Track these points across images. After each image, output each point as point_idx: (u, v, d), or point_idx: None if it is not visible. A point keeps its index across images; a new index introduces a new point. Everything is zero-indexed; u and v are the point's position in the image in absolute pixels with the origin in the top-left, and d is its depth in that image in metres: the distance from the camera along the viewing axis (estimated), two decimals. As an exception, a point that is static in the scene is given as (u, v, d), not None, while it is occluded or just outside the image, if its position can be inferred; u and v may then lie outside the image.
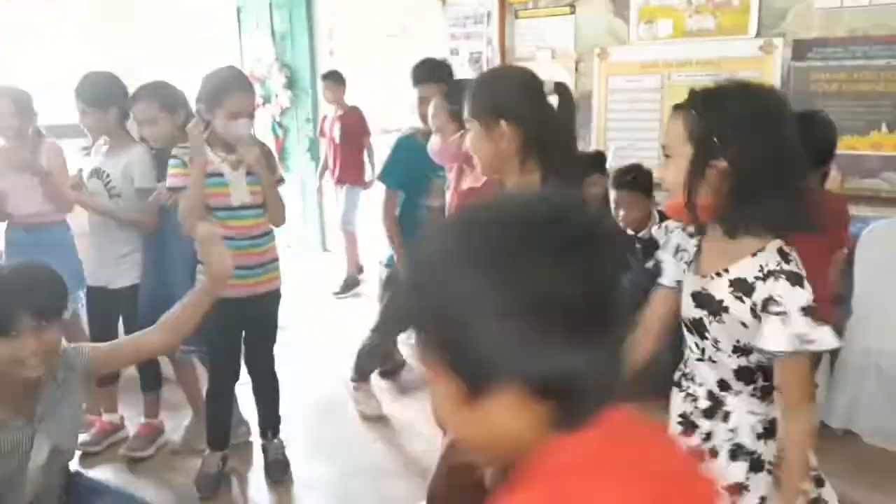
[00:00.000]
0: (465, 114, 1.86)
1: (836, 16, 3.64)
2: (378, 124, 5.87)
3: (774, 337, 1.40)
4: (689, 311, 1.58)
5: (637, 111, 4.35)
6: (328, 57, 6.27)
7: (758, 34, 3.85)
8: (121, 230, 3.00)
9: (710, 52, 4.02)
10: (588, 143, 4.43)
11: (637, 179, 3.41)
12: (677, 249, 1.68)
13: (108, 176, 2.96)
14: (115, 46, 5.89)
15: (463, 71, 5.24)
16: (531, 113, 1.79)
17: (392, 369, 3.89)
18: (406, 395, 3.65)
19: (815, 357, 2.40)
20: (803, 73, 3.73)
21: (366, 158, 5.66)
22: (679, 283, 1.65)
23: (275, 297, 2.87)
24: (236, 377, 2.89)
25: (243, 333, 2.86)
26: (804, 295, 1.39)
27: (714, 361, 1.57)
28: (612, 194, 3.49)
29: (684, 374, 1.68)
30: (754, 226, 1.44)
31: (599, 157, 3.82)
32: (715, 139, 1.41)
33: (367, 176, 5.57)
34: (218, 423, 2.89)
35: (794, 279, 1.40)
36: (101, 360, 1.86)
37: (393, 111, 5.66)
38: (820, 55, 3.70)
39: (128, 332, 3.10)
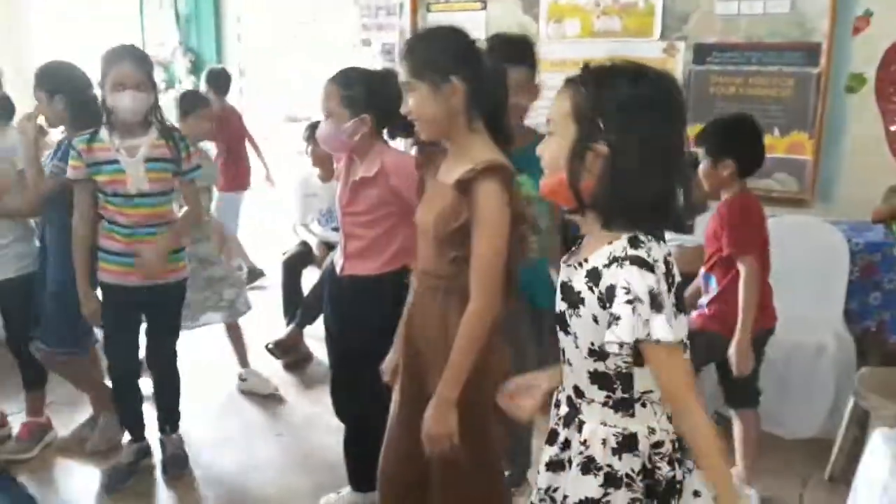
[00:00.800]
0: (405, 76, 1.78)
1: (735, 22, 3.81)
2: (285, 113, 5.75)
3: (618, 326, 1.28)
4: (558, 303, 1.47)
5: (544, 108, 4.41)
6: (236, 42, 6.09)
7: (662, 36, 3.99)
8: None
9: (615, 52, 4.06)
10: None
11: None
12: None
13: None
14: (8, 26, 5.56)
15: (374, 62, 5.21)
16: (478, 67, 1.78)
17: (298, 361, 3.82)
18: (312, 388, 3.58)
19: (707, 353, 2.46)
20: (703, 76, 3.89)
21: (254, 159, 5.42)
22: None
23: (176, 287, 2.75)
24: (136, 369, 2.78)
25: (143, 326, 2.75)
26: (650, 279, 1.28)
27: (571, 364, 1.46)
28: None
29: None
30: (622, 217, 1.34)
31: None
32: (599, 120, 1.31)
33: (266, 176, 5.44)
34: (129, 412, 2.84)
35: (641, 263, 1.29)
36: None
37: (301, 100, 5.55)
38: (718, 59, 3.86)
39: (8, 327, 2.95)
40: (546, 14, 4.40)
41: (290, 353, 3.81)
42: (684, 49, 3.92)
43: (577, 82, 1.37)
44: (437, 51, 1.79)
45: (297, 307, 3.88)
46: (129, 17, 6.43)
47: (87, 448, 2.97)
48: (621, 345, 1.29)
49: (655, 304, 1.27)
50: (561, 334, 1.47)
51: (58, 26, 6.30)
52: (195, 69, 6.24)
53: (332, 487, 2.61)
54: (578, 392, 1.45)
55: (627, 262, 1.30)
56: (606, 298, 1.31)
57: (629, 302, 1.27)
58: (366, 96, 2.26)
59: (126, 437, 2.88)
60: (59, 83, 2.75)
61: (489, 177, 1.71)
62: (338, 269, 2.42)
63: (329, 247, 3.88)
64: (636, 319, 1.26)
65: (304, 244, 4.07)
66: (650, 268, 1.29)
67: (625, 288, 1.28)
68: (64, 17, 6.31)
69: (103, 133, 2.53)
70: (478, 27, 4.59)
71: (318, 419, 3.20)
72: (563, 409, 1.50)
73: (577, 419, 1.45)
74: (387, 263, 2.30)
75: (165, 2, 6.27)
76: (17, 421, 3.07)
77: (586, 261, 1.38)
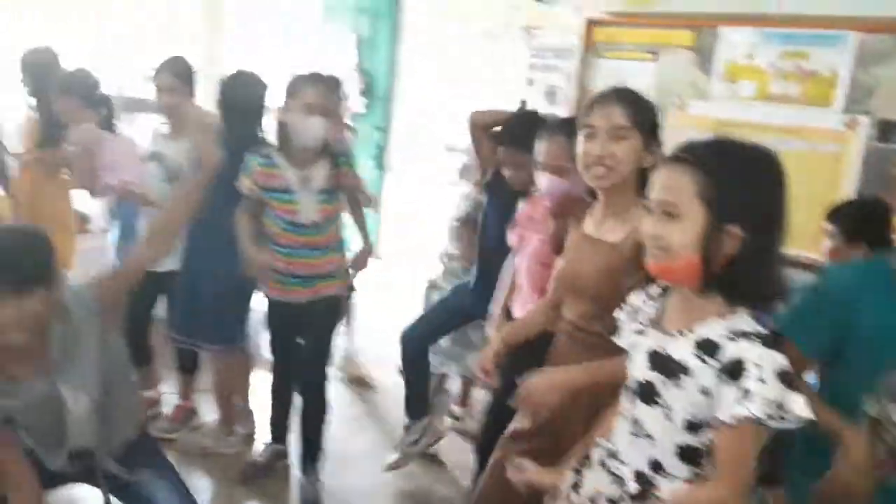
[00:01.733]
0: (624, 121, 1.79)
1: (928, 101, 3.55)
2: (444, 142, 5.92)
3: (740, 403, 1.26)
4: (642, 372, 1.45)
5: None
6: (408, 69, 6.34)
7: (844, 109, 3.78)
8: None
9: (791, 118, 3.95)
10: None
11: None
12: (634, 309, 1.58)
13: (168, 160, 3.03)
14: (205, 40, 6.09)
15: (538, 103, 5.27)
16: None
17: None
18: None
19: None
20: (885, 154, 3.64)
21: None
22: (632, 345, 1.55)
23: (330, 303, 2.82)
24: (292, 380, 2.95)
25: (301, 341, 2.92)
26: (781, 359, 1.28)
27: (652, 438, 1.42)
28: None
29: (608, 451, 1.55)
30: (747, 295, 1.37)
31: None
32: (728, 201, 1.32)
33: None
34: (280, 416, 2.99)
35: (772, 343, 1.31)
36: (106, 287, 1.82)
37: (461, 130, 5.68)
38: (905, 139, 3.61)
39: (169, 314, 3.18)
40: (721, 72, 4.29)
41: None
42: (867, 124, 3.70)
43: (691, 162, 1.36)
44: (651, 110, 1.85)
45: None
46: (311, 38, 6.87)
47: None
48: (739, 420, 1.27)
49: (789, 384, 1.28)
50: (639, 406, 1.44)
51: (247, 39, 6.82)
52: (366, 91, 6.56)
53: None
54: (657, 467, 1.42)
55: (759, 341, 1.30)
56: (729, 372, 1.30)
57: (761, 380, 1.26)
58: None
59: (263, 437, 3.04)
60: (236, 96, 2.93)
61: None
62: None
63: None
64: (769, 397, 1.25)
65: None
66: (780, 347, 1.30)
67: (757, 365, 1.27)
68: (254, 31, 6.83)
69: (279, 159, 2.64)
70: (647, 78, 4.55)
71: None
72: (632, 487, 1.45)
73: (651, 496, 1.42)
74: None
75: (347, 24, 6.64)
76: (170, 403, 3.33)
77: (690, 331, 1.37)
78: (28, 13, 5.29)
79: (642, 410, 1.44)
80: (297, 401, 2.91)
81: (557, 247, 2.08)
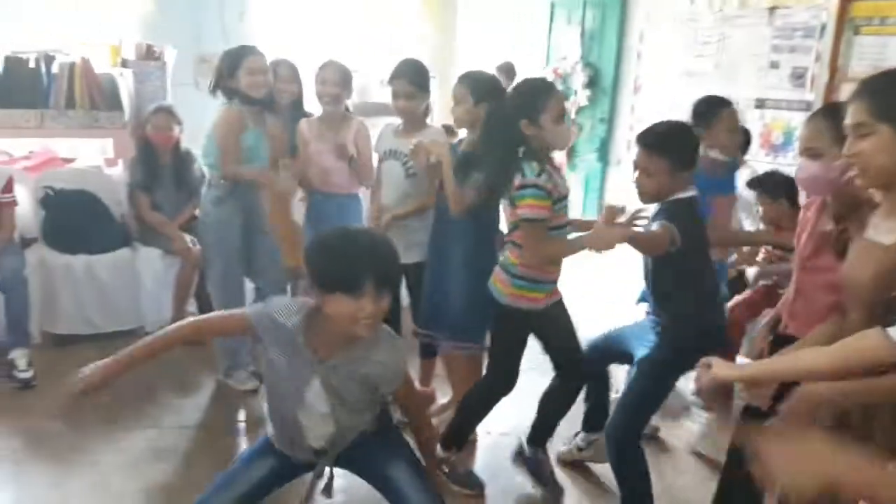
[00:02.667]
0: (864, 116, 1.62)
1: None
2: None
3: None
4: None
5: None
6: (635, 59, 6.18)
7: None
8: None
9: None
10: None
11: None
12: None
13: (405, 156, 3.09)
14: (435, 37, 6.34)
15: (782, 86, 4.90)
16: None
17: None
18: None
19: None
20: None
21: None
22: None
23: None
24: (509, 390, 2.76)
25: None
26: None
27: None
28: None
29: None
30: None
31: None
32: None
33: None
34: (469, 425, 2.84)
35: None
36: None
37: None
38: None
39: (413, 306, 3.28)
40: None
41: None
42: None
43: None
44: None
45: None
46: (538, 32, 6.92)
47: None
48: None
49: None
50: None
51: (475, 35, 7.02)
52: (591, 83, 6.48)
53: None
54: None
55: None
56: None
57: None
58: None
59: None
60: (487, 92, 2.80)
61: None
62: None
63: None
64: None
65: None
66: None
67: None
68: (483, 27, 7.01)
69: (542, 167, 2.45)
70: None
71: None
72: None
73: None
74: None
75: (574, 18, 6.59)
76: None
77: None
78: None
79: None
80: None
81: (838, 252, 1.90)
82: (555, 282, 2.62)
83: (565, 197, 2.52)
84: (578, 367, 2.72)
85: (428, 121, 3.26)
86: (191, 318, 2.00)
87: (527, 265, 2.52)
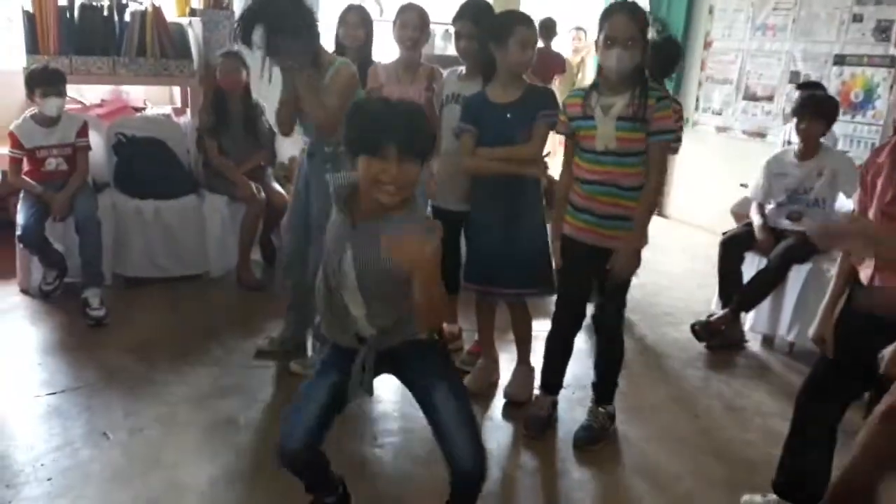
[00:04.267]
0: None
1: None
2: (747, 90, 5.47)
3: None
4: None
5: None
6: (706, 14, 5.96)
7: None
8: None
9: None
10: None
11: None
12: None
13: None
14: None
15: (866, 41, 4.66)
16: None
17: (725, 345, 3.70)
18: (741, 377, 3.43)
19: None
20: None
21: None
22: None
23: (617, 256, 2.57)
24: (579, 326, 2.80)
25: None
26: None
27: None
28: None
29: None
30: None
31: None
32: None
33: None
34: (551, 367, 2.86)
35: None
36: None
37: (765, 72, 5.22)
38: None
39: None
40: None
41: (716, 336, 3.69)
42: None
43: None
44: None
45: (734, 290, 3.73)
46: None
47: (506, 392, 3.06)
48: None
49: None
50: None
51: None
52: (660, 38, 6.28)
53: (749, 487, 2.49)
54: None
55: None
56: None
57: None
58: None
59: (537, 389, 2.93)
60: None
61: None
62: (863, 277, 2.11)
63: (776, 233, 3.64)
64: None
65: (749, 225, 3.85)
66: None
67: None
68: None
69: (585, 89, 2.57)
70: None
71: (740, 412, 3.08)
72: None
73: None
74: None
75: (643, -29, 6.39)
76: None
77: None
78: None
79: None
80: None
81: None
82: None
83: (584, 118, 2.54)
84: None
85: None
86: None
87: None
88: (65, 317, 3.55)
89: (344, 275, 1.86)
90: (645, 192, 2.52)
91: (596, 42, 2.55)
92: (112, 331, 3.42)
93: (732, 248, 3.84)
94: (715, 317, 3.69)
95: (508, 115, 2.76)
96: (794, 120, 3.59)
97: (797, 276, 3.53)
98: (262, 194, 4.06)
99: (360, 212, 1.83)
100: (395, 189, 1.72)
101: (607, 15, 2.47)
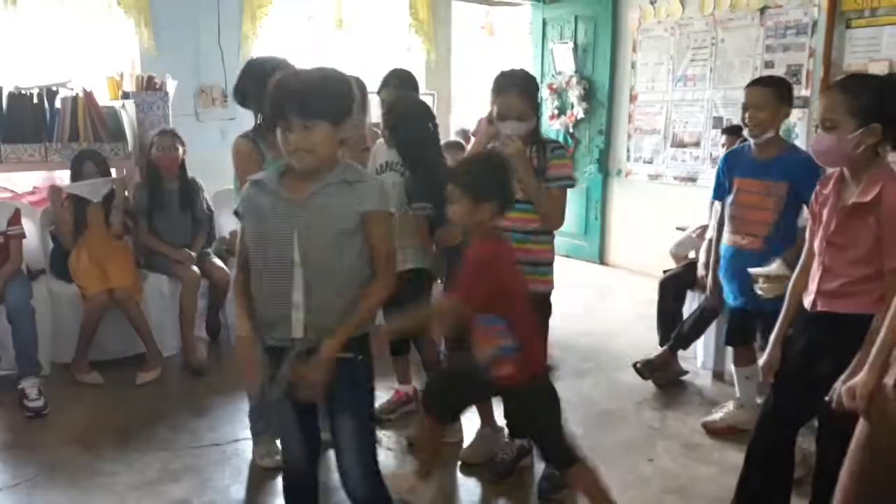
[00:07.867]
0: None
1: None
2: (672, 134, 5.69)
3: None
4: None
5: None
6: (629, 69, 6.22)
7: None
8: None
9: None
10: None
11: None
12: None
13: (400, 165, 3.07)
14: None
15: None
16: None
17: (670, 381, 3.76)
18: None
19: None
20: None
21: None
22: None
23: (541, 299, 2.65)
24: None
25: None
26: None
27: None
28: None
29: None
30: None
31: None
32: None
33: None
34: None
35: None
36: None
37: (688, 120, 5.47)
38: None
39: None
40: None
41: (659, 371, 3.74)
42: None
43: None
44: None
45: (672, 329, 3.80)
46: (532, 47, 6.98)
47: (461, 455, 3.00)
48: None
49: None
50: None
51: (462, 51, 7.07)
52: (587, 96, 6.52)
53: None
54: None
55: None
56: None
57: None
58: (877, 105, 2.02)
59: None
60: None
61: None
62: (806, 303, 2.20)
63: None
64: None
65: (688, 265, 3.95)
66: None
67: None
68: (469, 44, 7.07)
69: None
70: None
71: (698, 449, 3.10)
72: None
73: None
74: (873, 305, 1.99)
75: (566, 34, 6.66)
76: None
77: None
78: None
79: None
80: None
81: None
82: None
83: None
84: None
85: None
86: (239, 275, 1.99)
87: None
88: (1, 410, 3.39)
89: (285, 259, 1.83)
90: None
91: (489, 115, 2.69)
92: (52, 421, 3.28)
93: (671, 288, 3.93)
94: (654, 355, 3.75)
95: None
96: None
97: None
98: (197, 270, 4.01)
99: (294, 187, 1.85)
100: (304, 153, 1.78)
101: (498, 91, 2.61)
